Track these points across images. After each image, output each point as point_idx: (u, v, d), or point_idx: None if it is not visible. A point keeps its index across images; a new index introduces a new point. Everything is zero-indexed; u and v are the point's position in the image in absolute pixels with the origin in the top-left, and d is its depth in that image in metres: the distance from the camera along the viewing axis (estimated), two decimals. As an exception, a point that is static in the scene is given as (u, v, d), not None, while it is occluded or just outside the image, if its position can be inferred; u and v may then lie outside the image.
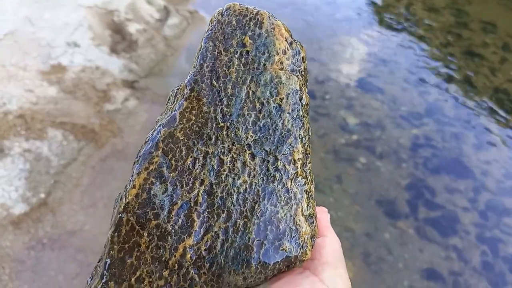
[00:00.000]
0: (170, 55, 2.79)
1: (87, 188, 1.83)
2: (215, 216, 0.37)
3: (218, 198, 0.37)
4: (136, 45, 2.71)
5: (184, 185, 0.37)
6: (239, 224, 0.37)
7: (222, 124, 0.39)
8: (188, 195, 0.37)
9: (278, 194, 0.38)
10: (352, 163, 2.28)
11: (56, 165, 1.87)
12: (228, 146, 0.39)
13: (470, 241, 1.97)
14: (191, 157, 0.38)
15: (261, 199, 0.37)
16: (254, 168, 0.38)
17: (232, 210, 0.37)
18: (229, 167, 0.38)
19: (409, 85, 3.01)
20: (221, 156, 0.38)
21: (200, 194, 0.37)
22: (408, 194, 2.15)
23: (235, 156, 0.38)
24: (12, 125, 1.93)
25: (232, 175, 0.38)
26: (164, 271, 0.36)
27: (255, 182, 0.38)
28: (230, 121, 0.39)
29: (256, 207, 0.37)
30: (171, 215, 0.36)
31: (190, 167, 0.38)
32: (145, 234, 0.36)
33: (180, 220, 0.36)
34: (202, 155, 0.38)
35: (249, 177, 0.38)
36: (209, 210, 0.37)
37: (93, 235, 1.67)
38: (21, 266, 1.58)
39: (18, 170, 1.79)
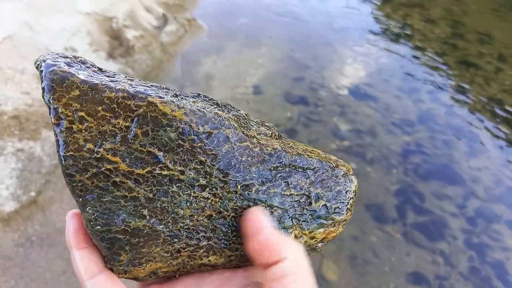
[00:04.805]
0: (166, 61, 2.83)
1: (77, 188, 1.85)
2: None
3: None
4: (133, 50, 2.76)
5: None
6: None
7: None
8: None
9: None
10: (343, 168, 2.30)
11: (48, 165, 1.90)
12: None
13: (457, 246, 1.97)
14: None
15: None
16: None
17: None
18: None
19: (402, 93, 3.03)
20: None
21: None
22: (397, 199, 2.17)
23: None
24: (7, 126, 1.97)
25: None
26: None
27: None
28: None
29: None
30: None
31: None
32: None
33: None
34: None
35: None
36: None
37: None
38: (9, 263, 1.60)
39: (9, 169, 1.82)
